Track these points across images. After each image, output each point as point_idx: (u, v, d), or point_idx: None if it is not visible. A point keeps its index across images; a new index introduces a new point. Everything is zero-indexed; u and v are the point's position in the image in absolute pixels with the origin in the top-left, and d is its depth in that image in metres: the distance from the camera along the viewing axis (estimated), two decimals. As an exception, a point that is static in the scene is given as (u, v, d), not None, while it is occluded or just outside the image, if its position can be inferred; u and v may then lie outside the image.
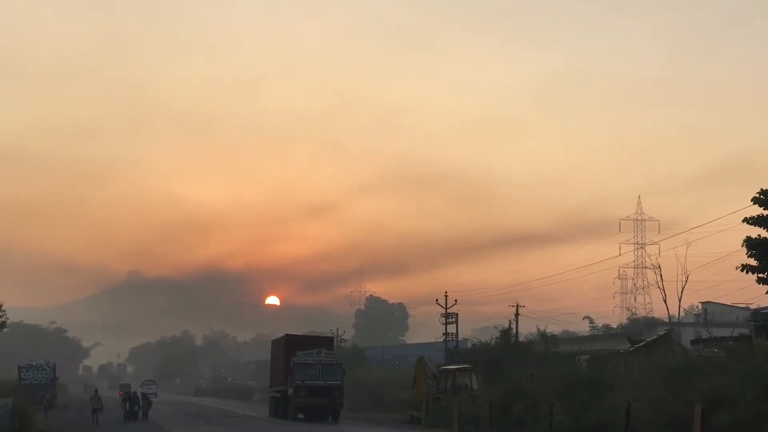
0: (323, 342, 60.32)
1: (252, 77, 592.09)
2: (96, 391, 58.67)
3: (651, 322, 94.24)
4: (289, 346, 58.00)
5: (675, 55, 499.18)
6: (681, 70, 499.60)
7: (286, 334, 61.89)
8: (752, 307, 68.15)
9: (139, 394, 59.39)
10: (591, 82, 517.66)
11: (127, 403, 56.86)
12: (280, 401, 59.44)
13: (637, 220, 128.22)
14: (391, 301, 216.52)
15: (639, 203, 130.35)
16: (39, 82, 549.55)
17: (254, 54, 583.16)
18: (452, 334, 78.10)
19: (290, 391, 55.07)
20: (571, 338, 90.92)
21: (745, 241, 43.87)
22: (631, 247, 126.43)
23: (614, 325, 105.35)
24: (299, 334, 68.37)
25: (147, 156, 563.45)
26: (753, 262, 43.86)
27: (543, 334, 64.90)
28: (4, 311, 65.70)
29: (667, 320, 76.08)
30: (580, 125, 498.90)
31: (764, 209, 43.83)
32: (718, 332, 52.89)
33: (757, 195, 43.92)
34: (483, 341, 68.58)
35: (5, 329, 71.47)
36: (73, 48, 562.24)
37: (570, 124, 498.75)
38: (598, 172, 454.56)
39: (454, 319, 78.03)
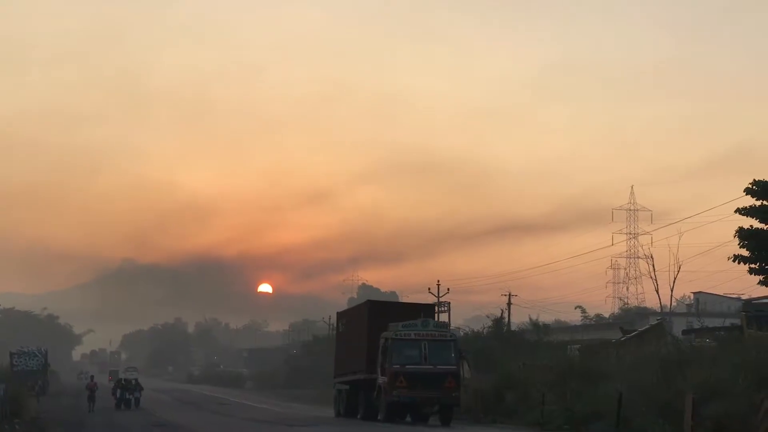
0: (423, 311, 42.56)
1: (249, 64, 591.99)
2: (92, 377, 58.60)
3: (643, 312, 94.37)
4: (374, 316, 42.40)
5: (672, 45, 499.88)
6: (679, 60, 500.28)
7: (369, 300, 45.87)
8: (744, 297, 68.39)
9: (133, 381, 58.43)
10: (588, 72, 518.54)
11: (118, 390, 56.27)
12: (353, 395, 43.95)
13: (630, 210, 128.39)
14: (383, 290, 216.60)
15: (632, 193, 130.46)
16: (33, 68, 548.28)
17: (251, 41, 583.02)
18: (444, 323, 78.12)
19: (381, 380, 39.18)
20: (563, 328, 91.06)
21: (737, 231, 43.97)
22: (624, 237, 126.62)
23: (606, 315, 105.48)
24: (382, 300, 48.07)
25: (142, 143, 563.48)
26: (745, 252, 43.99)
27: (535, 324, 64.98)
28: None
29: (659, 310, 76.19)
30: (576, 115, 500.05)
31: (757, 200, 43.92)
32: (709, 322, 53.05)
33: (750, 186, 44.01)
34: (475, 330, 68.60)
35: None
36: (68, 34, 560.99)
37: (566, 114, 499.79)
38: (594, 161, 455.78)
39: (446, 308, 78.05)
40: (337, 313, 52.25)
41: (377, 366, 39.60)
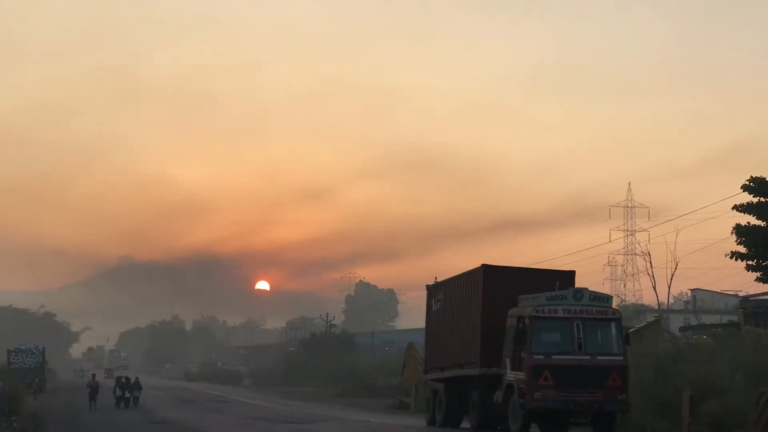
0: (560, 280, 30.57)
1: (245, 59, 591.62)
2: (94, 375, 58.35)
3: (640, 309, 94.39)
4: (492, 286, 31.10)
5: (670, 43, 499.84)
6: (677, 58, 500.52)
7: (485, 265, 31.82)
8: (741, 294, 68.48)
9: (132, 380, 57.84)
10: (586, 68, 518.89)
11: (117, 389, 55.99)
12: (456, 397, 33.27)
13: (627, 207, 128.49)
14: (381, 287, 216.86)
15: (629, 190, 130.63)
16: (27, 64, 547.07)
17: (248, 36, 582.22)
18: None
19: (511, 377, 28.72)
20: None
21: (734, 228, 43.99)
22: (621, 234, 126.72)
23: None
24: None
25: (138, 139, 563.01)
26: (742, 249, 44.01)
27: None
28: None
29: (657, 307, 76.23)
30: (574, 112, 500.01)
31: (754, 197, 43.95)
32: (707, 319, 53.13)
33: (747, 182, 44.02)
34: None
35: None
36: (62, 27, 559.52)
37: (564, 110, 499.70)
38: (592, 158, 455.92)
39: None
40: (429, 286, 38.73)
41: (503, 356, 29.16)
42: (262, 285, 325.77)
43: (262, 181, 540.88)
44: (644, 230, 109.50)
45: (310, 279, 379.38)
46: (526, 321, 28.01)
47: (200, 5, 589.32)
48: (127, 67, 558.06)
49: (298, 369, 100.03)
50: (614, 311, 29.44)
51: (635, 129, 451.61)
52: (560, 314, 27.92)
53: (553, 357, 27.53)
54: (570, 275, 32.11)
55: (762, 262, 44.00)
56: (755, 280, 45.20)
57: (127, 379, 58.21)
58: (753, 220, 44.02)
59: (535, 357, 27.52)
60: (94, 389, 52.95)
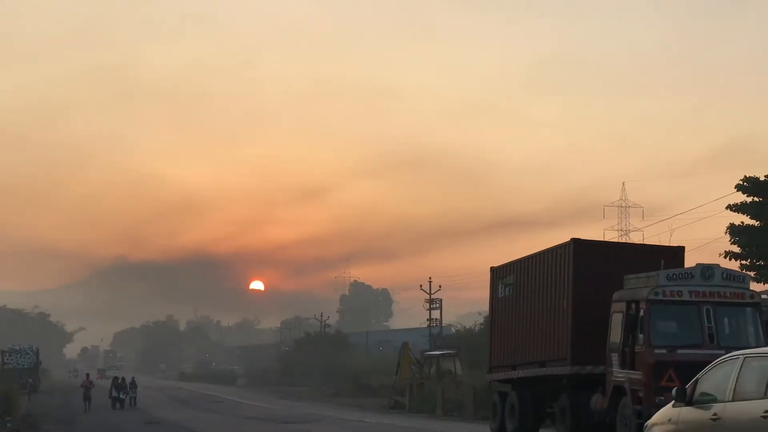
0: (666, 256, 25.12)
1: (242, 58, 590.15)
2: (88, 375, 58.17)
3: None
4: (586, 264, 25.67)
5: (668, 41, 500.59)
6: (672, 56, 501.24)
7: (575, 239, 26.27)
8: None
9: (128, 381, 57.46)
10: (583, 67, 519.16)
11: (112, 389, 55.57)
12: (531, 402, 27.75)
13: (621, 206, 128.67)
14: (375, 287, 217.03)
15: (623, 189, 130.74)
16: (20, 62, 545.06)
17: (245, 35, 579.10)
18: (436, 319, 78.30)
19: (620, 377, 23.10)
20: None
21: (728, 227, 44.09)
22: (616, 234, 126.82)
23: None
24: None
25: (134, 138, 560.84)
26: (736, 248, 44.12)
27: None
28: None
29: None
30: (570, 110, 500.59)
31: (748, 196, 44.05)
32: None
33: (741, 182, 44.13)
34: (467, 327, 68.76)
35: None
36: (56, 25, 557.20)
37: (560, 109, 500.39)
38: (589, 157, 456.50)
39: (438, 305, 78.23)
40: (494, 268, 31.27)
41: (608, 351, 23.66)
42: (257, 285, 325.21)
43: (257, 181, 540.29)
44: (638, 230, 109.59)
45: (305, 279, 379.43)
46: (642, 306, 22.51)
47: (196, 4, 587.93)
48: (123, 65, 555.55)
49: (292, 369, 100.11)
50: (753, 294, 23.58)
51: (631, 128, 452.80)
52: (686, 297, 22.53)
53: (678, 351, 21.99)
54: (679, 252, 26.82)
55: (756, 262, 44.13)
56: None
57: (123, 379, 57.91)
58: (747, 220, 44.14)
59: (656, 351, 22.03)
60: (88, 389, 52.44)
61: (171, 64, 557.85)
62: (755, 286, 48.05)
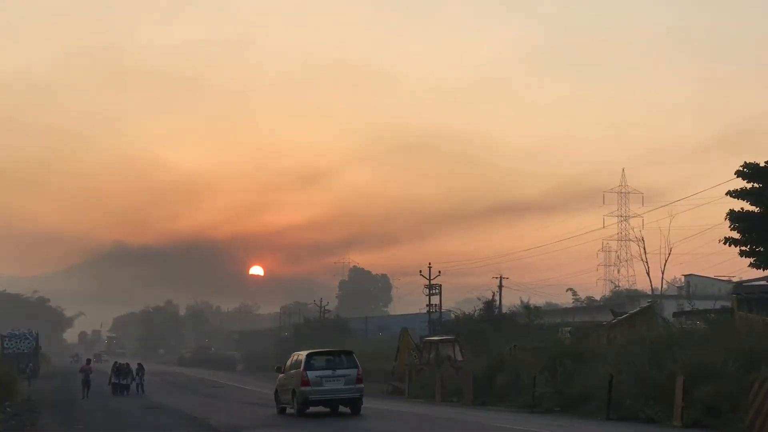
0: None
1: (238, 39, 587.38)
2: (89, 360, 57.09)
3: (634, 295, 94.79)
4: None
5: (669, 25, 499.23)
6: (678, 39, 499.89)
7: None
8: (735, 279, 68.65)
9: (134, 367, 56.56)
10: (582, 51, 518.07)
11: (112, 376, 54.97)
12: None
13: (621, 192, 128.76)
14: (374, 272, 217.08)
15: (623, 176, 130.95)
16: (13, 42, 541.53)
17: (241, 15, 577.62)
18: (435, 305, 78.35)
19: None
20: (554, 310, 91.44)
21: (728, 214, 44.07)
22: (615, 220, 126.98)
23: (597, 298, 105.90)
24: None
25: (130, 120, 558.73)
26: (736, 235, 44.10)
27: (526, 306, 65.15)
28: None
29: (650, 293, 76.44)
30: (570, 94, 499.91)
31: (748, 182, 44.00)
32: (700, 305, 53.20)
33: (741, 168, 44.08)
34: (466, 313, 68.77)
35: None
36: (48, 4, 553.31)
37: (561, 93, 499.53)
38: (590, 141, 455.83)
39: (437, 291, 78.24)
40: None
41: None
42: (256, 270, 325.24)
43: (256, 164, 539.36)
44: (638, 216, 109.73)
45: (304, 264, 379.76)
46: None
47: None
48: (117, 47, 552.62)
49: (291, 354, 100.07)
50: None
51: (631, 113, 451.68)
52: None
53: None
54: None
55: (755, 248, 44.11)
56: (749, 265, 45.31)
57: (127, 365, 56.94)
58: (747, 206, 44.09)
59: None
60: (87, 374, 51.84)
61: (166, 45, 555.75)
62: (754, 273, 48.16)
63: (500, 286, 79.46)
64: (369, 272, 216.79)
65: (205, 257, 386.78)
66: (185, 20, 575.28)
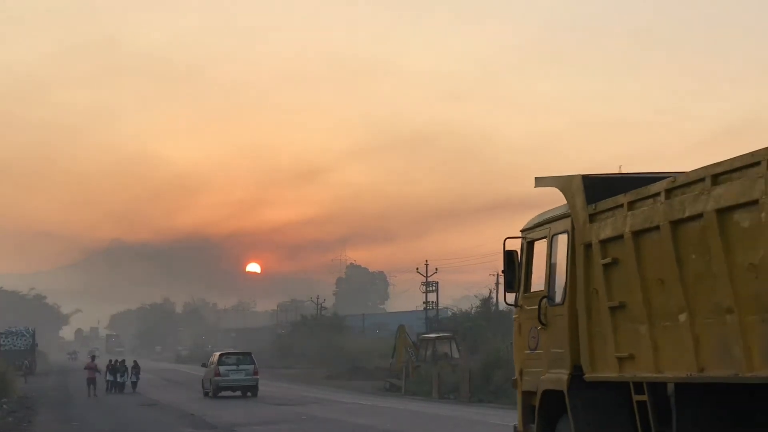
0: None
1: (235, 35, 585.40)
2: (93, 358, 55.74)
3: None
4: None
5: (671, 19, 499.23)
6: (676, 35, 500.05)
7: None
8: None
9: (129, 364, 55.44)
10: (581, 46, 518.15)
11: (107, 373, 53.83)
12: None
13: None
14: (371, 269, 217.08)
15: (620, 171, 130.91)
16: (6, 35, 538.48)
17: (238, 10, 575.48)
18: (433, 302, 78.37)
19: None
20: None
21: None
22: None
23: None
24: None
25: (124, 115, 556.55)
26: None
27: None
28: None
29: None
30: (570, 89, 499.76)
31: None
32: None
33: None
34: (463, 310, 68.84)
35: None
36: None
37: (560, 88, 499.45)
38: (589, 137, 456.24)
39: (434, 288, 78.27)
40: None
41: None
42: (253, 267, 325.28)
43: (253, 161, 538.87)
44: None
45: (301, 261, 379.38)
46: None
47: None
48: (112, 41, 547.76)
49: (288, 351, 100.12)
50: None
51: (630, 108, 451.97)
52: None
53: None
54: None
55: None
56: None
57: (122, 362, 55.89)
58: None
59: None
60: (93, 371, 50.18)
61: (162, 41, 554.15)
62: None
63: (497, 284, 79.45)
64: (366, 269, 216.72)
65: (202, 254, 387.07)
66: (181, 15, 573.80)
